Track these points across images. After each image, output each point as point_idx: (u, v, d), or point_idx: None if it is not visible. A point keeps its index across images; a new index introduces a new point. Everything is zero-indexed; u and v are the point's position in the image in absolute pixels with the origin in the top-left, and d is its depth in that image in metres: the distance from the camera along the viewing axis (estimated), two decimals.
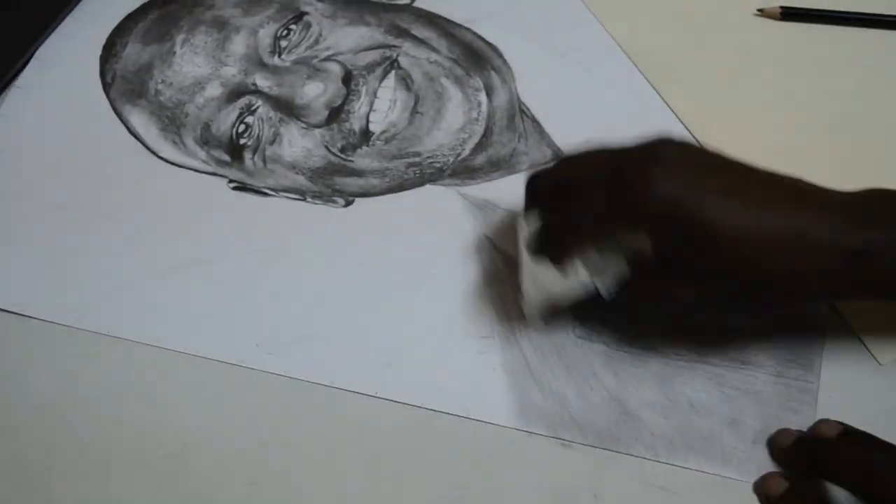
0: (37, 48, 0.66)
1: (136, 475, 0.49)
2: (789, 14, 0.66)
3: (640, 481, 0.49)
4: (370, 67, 0.64)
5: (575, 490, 0.48)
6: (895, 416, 0.50)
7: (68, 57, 0.66)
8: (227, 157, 0.61)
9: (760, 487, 0.48)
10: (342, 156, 0.61)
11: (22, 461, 0.49)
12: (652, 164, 0.45)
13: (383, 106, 0.62)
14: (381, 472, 0.49)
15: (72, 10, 0.68)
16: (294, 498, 0.48)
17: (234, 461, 0.49)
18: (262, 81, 0.63)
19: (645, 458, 0.49)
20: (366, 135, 0.61)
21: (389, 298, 0.55)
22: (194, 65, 0.65)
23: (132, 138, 0.62)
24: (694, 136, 0.61)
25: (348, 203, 0.59)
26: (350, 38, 0.66)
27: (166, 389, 0.52)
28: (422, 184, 0.60)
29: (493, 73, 0.65)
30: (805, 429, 0.50)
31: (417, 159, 0.61)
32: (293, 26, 0.66)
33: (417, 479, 0.49)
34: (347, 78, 0.63)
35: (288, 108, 0.62)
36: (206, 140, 0.61)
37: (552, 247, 0.49)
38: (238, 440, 0.50)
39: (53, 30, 0.67)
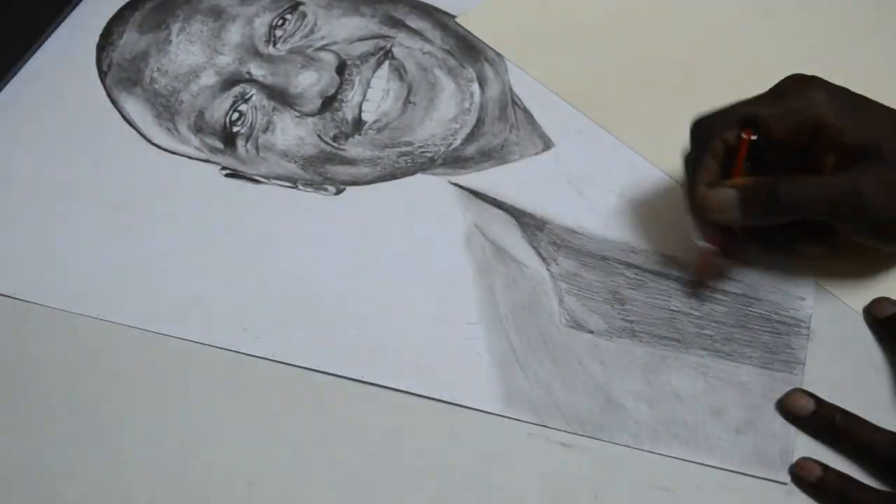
0: (42, 42, 0.67)
1: (126, 447, 0.49)
2: None
3: (640, 481, 0.49)
4: (364, 57, 0.65)
5: (575, 490, 0.48)
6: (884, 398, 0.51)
7: (68, 46, 0.67)
8: (220, 145, 0.61)
9: (785, 404, 0.50)
10: (334, 144, 0.61)
11: (16, 450, 0.50)
12: (816, 81, 0.51)
13: (376, 96, 0.63)
14: (376, 465, 0.49)
15: (76, 4, 0.69)
16: (281, 481, 0.49)
17: (219, 440, 0.50)
18: (256, 70, 0.64)
19: (631, 447, 0.49)
20: (358, 124, 0.62)
21: (378, 285, 0.55)
22: (189, 53, 0.65)
23: (127, 125, 0.63)
24: None
25: (339, 191, 0.59)
26: (345, 28, 0.66)
27: (154, 372, 0.52)
28: (413, 173, 0.60)
29: (486, 65, 0.65)
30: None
31: (409, 149, 0.61)
32: (288, 16, 0.66)
33: (416, 478, 0.49)
34: (341, 67, 0.64)
35: (282, 97, 0.63)
36: (199, 127, 0.62)
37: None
38: (223, 421, 0.50)
39: (60, 24, 0.68)
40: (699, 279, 0.55)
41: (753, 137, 0.50)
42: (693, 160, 0.53)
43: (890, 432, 0.48)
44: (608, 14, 0.67)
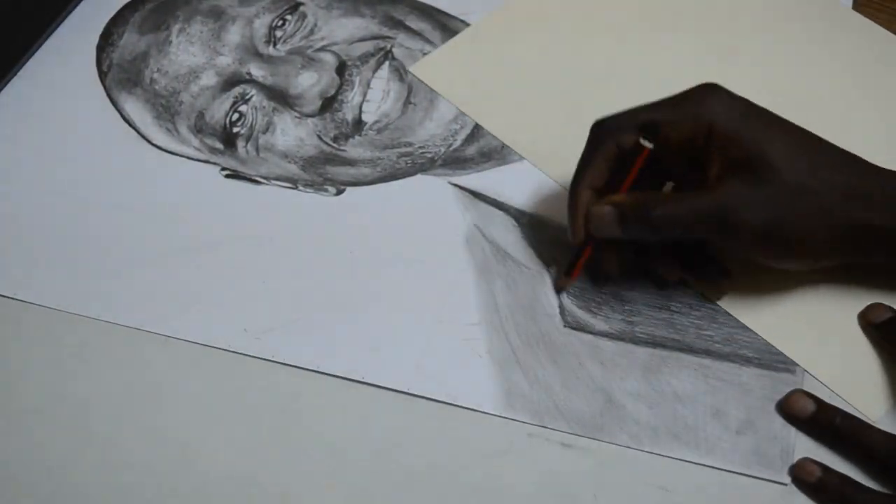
0: (42, 42, 0.67)
1: (126, 447, 0.49)
2: None
3: (640, 481, 0.49)
4: (364, 58, 0.65)
5: (575, 490, 0.48)
6: None
7: (68, 47, 0.67)
8: (220, 146, 0.61)
9: (785, 406, 0.50)
10: (335, 145, 0.61)
11: (16, 450, 0.50)
12: (716, 88, 0.50)
13: (376, 96, 0.63)
14: (376, 466, 0.49)
15: (77, 4, 0.69)
16: (281, 481, 0.49)
17: (219, 440, 0.50)
18: (256, 71, 0.64)
19: (629, 447, 0.49)
20: (358, 125, 0.62)
21: (378, 285, 0.55)
22: (190, 54, 0.65)
23: (127, 126, 0.63)
24: None
25: (339, 192, 0.59)
26: (345, 28, 0.66)
27: (155, 372, 0.52)
28: (413, 174, 0.60)
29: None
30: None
31: (409, 149, 0.61)
32: (288, 16, 0.67)
33: (415, 477, 0.49)
34: (341, 68, 0.64)
35: (282, 98, 0.63)
36: (199, 128, 0.62)
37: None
38: (224, 421, 0.50)
39: (60, 23, 0.68)
40: (564, 281, 0.54)
41: (650, 146, 0.50)
42: (584, 159, 0.52)
43: (890, 434, 0.48)
44: (565, 66, 0.65)
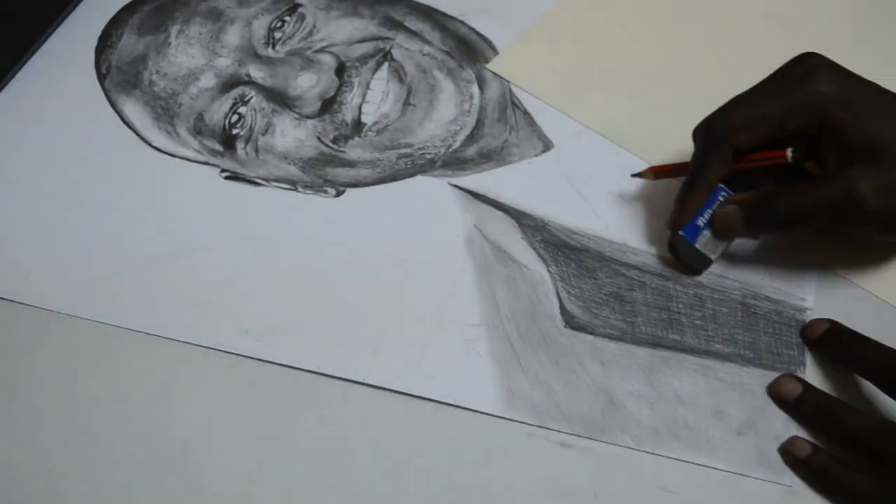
0: (41, 44, 0.67)
1: (126, 447, 0.49)
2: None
3: (640, 481, 0.48)
4: (363, 59, 0.65)
5: (575, 490, 0.48)
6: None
7: (67, 49, 0.67)
8: (219, 147, 0.61)
9: (773, 388, 0.50)
10: (334, 147, 0.61)
11: (16, 451, 0.50)
12: (819, 64, 0.51)
13: (376, 97, 0.63)
14: (376, 466, 0.49)
15: (76, 6, 0.69)
16: (282, 482, 0.49)
17: (219, 442, 0.49)
18: (255, 72, 0.64)
19: (630, 448, 0.49)
20: (358, 126, 0.62)
21: (379, 287, 0.55)
22: (189, 55, 0.65)
23: (126, 128, 0.62)
24: None
25: (339, 193, 0.59)
26: (344, 29, 0.66)
27: (155, 374, 0.52)
28: (413, 174, 0.60)
29: (485, 66, 0.65)
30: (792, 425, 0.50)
31: (409, 150, 0.61)
32: (287, 18, 0.67)
33: (415, 477, 0.49)
34: (341, 69, 0.64)
35: (281, 99, 0.63)
36: (199, 130, 0.62)
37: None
38: (224, 422, 0.50)
39: (58, 25, 0.68)
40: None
41: (789, 159, 0.52)
42: (700, 162, 0.53)
43: (875, 418, 0.49)
44: (638, 48, 0.67)
